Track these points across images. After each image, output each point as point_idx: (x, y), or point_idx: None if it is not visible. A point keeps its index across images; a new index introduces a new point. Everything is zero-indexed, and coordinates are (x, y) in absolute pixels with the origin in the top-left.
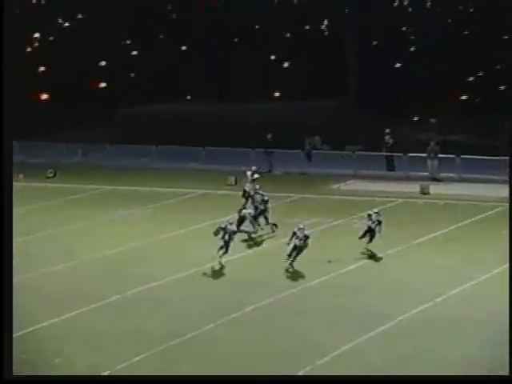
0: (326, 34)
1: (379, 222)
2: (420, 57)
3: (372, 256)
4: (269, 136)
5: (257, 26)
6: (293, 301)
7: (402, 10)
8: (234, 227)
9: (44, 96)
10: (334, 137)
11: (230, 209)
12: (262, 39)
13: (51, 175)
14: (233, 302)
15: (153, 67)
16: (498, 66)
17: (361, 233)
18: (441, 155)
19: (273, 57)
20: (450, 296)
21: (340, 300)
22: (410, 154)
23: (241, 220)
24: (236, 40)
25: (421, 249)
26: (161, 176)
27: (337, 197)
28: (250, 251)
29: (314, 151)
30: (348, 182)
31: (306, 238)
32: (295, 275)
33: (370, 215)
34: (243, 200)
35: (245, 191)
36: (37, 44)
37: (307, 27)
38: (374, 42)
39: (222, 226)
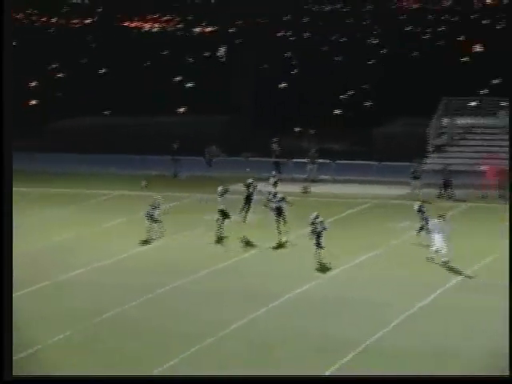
0: (222, 60)
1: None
2: (301, 78)
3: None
4: (175, 145)
5: (164, 52)
6: (196, 284)
7: (285, 39)
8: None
9: None
10: (230, 146)
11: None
12: (169, 63)
13: None
14: (146, 285)
15: (76, 87)
16: (365, 86)
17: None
18: (319, 160)
19: (178, 78)
20: (329, 277)
21: (233, 283)
22: (294, 160)
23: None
24: (147, 64)
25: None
26: (83, 179)
27: (233, 196)
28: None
29: (213, 158)
30: (241, 184)
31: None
32: (200, 261)
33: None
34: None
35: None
36: None
37: (207, 53)
38: (265, 65)
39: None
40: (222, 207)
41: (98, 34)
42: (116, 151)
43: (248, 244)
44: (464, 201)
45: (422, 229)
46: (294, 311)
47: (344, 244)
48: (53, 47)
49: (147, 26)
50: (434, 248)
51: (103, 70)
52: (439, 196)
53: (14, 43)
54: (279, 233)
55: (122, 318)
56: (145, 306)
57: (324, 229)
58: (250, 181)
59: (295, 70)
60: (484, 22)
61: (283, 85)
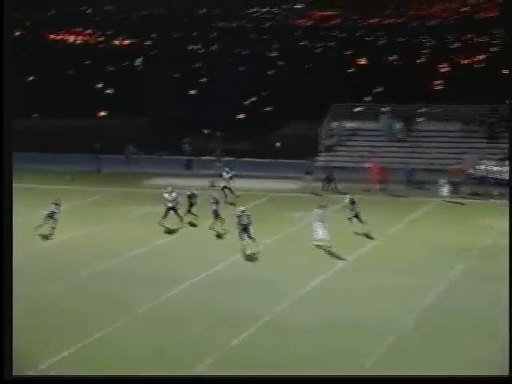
0: (139, 69)
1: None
2: (209, 86)
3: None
4: (97, 144)
5: (87, 62)
6: (117, 268)
7: (195, 51)
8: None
9: None
10: (146, 145)
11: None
12: (91, 72)
13: None
14: (72, 269)
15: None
16: (265, 93)
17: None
18: (224, 158)
19: (99, 85)
20: (231, 261)
21: (149, 267)
22: (203, 158)
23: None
24: (71, 72)
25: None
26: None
27: (147, 190)
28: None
29: (131, 156)
30: (156, 179)
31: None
32: (122, 247)
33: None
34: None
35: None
36: None
37: (125, 63)
38: (177, 74)
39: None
40: (170, 205)
41: (27, 44)
42: (42, 150)
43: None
44: (346, 193)
45: (355, 217)
46: (205, 290)
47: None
48: None
49: (71, 39)
50: (316, 235)
51: (31, 78)
52: (323, 189)
53: None
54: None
55: (44, 299)
56: (67, 287)
57: (250, 222)
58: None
59: (204, 79)
60: (367, 38)
61: (193, 91)
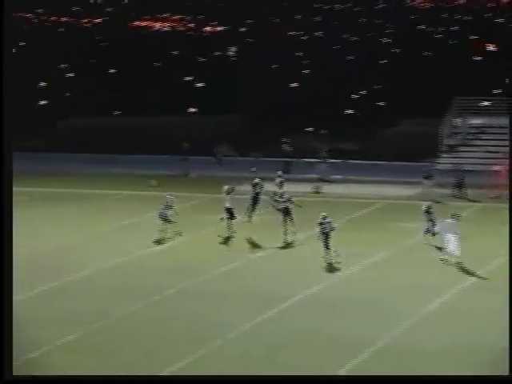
0: (233, 59)
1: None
2: (312, 78)
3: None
4: (185, 145)
5: (174, 52)
6: (206, 285)
7: (296, 39)
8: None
9: None
10: (240, 145)
11: (153, 208)
12: (179, 63)
13: None
14: (154, 287)
15: (85, 87)
16: (377, 86)
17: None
18: (330, 160)
19: (188, 78)
20: (338, 278)
21: (242, 284)
22: (305, 160)
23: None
24: (157, 64)
25: (313, 239)
26: (93, 179)
27: (243, 196)
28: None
29: (224, 158)
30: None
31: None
32: (209, 262)
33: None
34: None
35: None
36: None
37: (217, 53)
38: (274, 66)
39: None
40: (228, 205)
41: (108, 33)
42: (126, 151)
43: (254, 245)
44: (476, 201)
45: (428, 230)
46: (303, 313)
47: (355, 245)
48: (62, 47)
49: (157, 26)
50: (448, 249)
51: (113, 70)
52: (452, 196)
53: (23, 43)
54: (285, 233)
55: (129, 320)
56: (151, 307)
57: (332, 229)
58: (256, 180)
59: (306, 70)
60: (497, 20)
61: (294, 84)
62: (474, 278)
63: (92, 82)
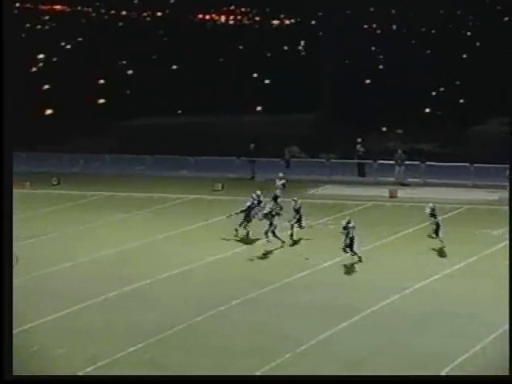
0: (303, 54)
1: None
2: (387, 74)
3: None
4: (252, 145)
5: (240, 47)
6: (273, 295)
7: (370, 32)
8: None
9: (48, 111)
10: (311, 146)
11: (219, 212)
12: (245, 59)
13: (55, 183)
14: (219, 297)
15: (146, 84)
16: (458, 82)
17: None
18: (407, 162)
19: (255, 74)
20: (415, 289)
21: (313, 295)
22: (380, 161)
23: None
24: (222, 60)
25: (388, 247)
26: (154, 183)
27: (314, 200)
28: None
29: (293, 159)
30: (324, 187)
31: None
32: (276, 272)
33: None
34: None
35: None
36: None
37: (286, 47)
38: (346, 61)
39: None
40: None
41: (171, 27)
42: (190, 153)
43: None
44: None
45: (436, 233)
46: (379, 325)
47: (434, 252)
48: (122, 42)
49: (222, 19)
50: None
51: (175, 67)
52: None
53: (80, 39)
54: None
55: (192, 331)
56: (216, 319)
57: (355, 235)
58: (295, 199)
59: (381, 65)
60: None
61: (368, 81)
62: None
63: (153, 80)
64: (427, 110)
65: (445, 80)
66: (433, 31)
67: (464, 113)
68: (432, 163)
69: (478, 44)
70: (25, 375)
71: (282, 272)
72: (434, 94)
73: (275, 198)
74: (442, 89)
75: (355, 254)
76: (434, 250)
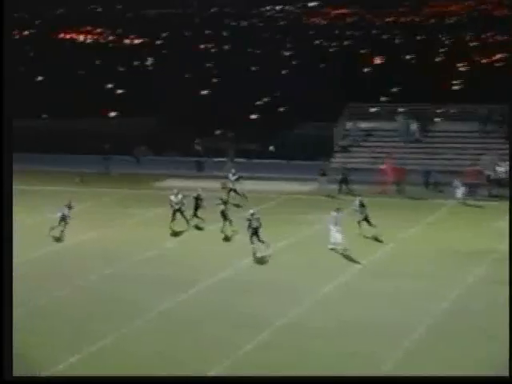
0: (150, 68)
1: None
2: (221, 86)
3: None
4: (106, 145)
5: (97, 62)
6: (127, 270)
7: (207, 51)
8: None
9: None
10: (157, 145)
11: (78, 202)
12: (101, 72)
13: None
14: (78, 272)
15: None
16: (278, 93)
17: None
18: (237, 159)
19: (110, 85)
20: (244, 264)
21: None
22: (214, 159)
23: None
24: (81, 72)
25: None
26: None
27: (158, 191)
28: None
29: (142, 157)
30: (167, 180)
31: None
32: (130, 250)
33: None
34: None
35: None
36: None
37: (136, 63)
38: (186, 75)
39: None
40: (176, 207)
41: (36, 43)
42: (53, 151)
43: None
44: (359, 195)
45: (364, 219)
46: (214, 295)
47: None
48: None
49: (81, 38)
50: (332, 239)
51: (40, 78)
52: (339, 191)
53: None
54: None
55: (55, 303)
56: (77, 291)
57: (260, 225)
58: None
59: (216, 79)
60: (384, 37)
61: (205, 91)
62: (362, 264)
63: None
64: (253, 117)
65: (268, 91)
66: (258, 51)
67: (283, 118)
68: (256, 160)
69: (294, 63)
70: (25, 375)
71: (137, 249)
72: (259, 103)
73: (229, 191)
74: (266, 99)
75: (263, 242)
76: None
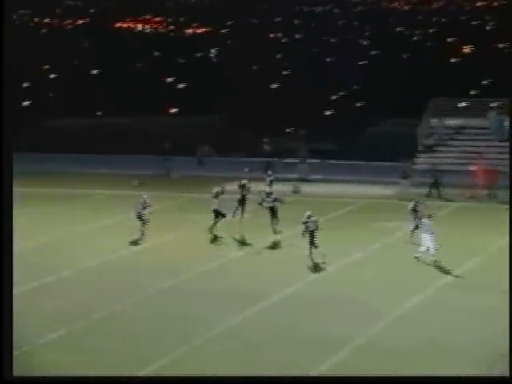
0: (214, 60)
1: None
2: (292, 79)
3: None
4: (166, 145)
5: (156, 54)
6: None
7: (276, 40)
8: None
9: None
10: (222, 145)
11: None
12: (161, 64)
13: None
14: (135, 286)
15: (69, 88)
16: (356, 87)
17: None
18: (310, 160)
19: (170, 79)
20: (316, 278)
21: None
22: (284, 160)
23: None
24: (139, 65)
25: (292, 239)
26: (76, 179)
27: (226, 195)
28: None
29: (205, 158)
30: (232, 183)
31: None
32: (190, 261)
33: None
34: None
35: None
36: None
37: (198, 54)
38: (254, 67)
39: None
40: (215, 207)
41: (91, 34)
42: (108, 151)
43: (242, 244)
44: (452, 200)
45: (416, 227)
46: (284, 311)
47: (335, 244)
48: (45, 48)
49: (139, 27)
50: (423, 248)
51: (95, 71)
52: (428, 195)
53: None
54: (274, 232)
55: (111, 319)
56: (134, 307)
57: (317, 228)
58: (243, 182)
59: (286, 71)
60: (474, 23)
61: (274, 85)
62: (448, 277)
63: (75, 83)
64: (328, 113)
65: (344, 85)
66: (333, 40)
67: (361, 115)
68: (331, 161)
69: (373, 53)
70: (25, 375)
71: (198, 261)
72: (334, 98)
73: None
74: (341, 93)
75: (317, 247)
76: (334, 240)
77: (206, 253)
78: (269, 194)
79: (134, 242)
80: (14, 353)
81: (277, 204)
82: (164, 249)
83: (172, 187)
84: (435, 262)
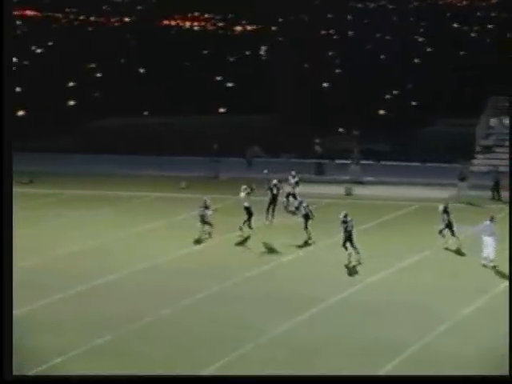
0: (264, 58)
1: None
2: (344, 78)
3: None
4: (215, 146)
5: (204, 52)
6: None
7: (328, 38)
8: None
9: (20, 112)
10: (271, 146)
11: (183, 209)
12: (209, 63)
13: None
14: (184, 290)
15: (115, 87)
16: (410, 86)
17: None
18: (362, 161)
19: (218, 78)
20: (369, 282)
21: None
22: (337, 161)
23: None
24: (187, 63)
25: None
26: (121, 181)
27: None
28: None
29: (255, 159)
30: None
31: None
32: (237, 264)
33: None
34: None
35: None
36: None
37: (248, 52)
38: (305, 65)
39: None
40: (246, 204)
41: (138, 32)
42: (154, 152)
43: (282, 248)
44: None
45: (446, 228)
46: (336, 316)
47: (389, 247)
48: (91, 46)
49: (187, 25)
50: (486, 251)
51: (142, 70)
52: (492, 198)
53: (51, 43)
54: (309, 238)
55: (160, 323)
56: (183, 310)
57: (352, 228)
58: (274, 182)
59: (338, 70)
60: None
61: (326, 84)
62: (508, 282)
63: (121, 82)
64: (382, 112)
65: (398, 83)
66: (387, 37)
67: (415, 114)
68: (385, 162)
69: (428, 50)
70: (25, 375)
71: (246, 264)
72: (388, 97)
73: (288, 196)
74: (395, 92)
75: (355, 248)
76: (389, 244)
77: (255, 256)
78: (294, 196)
79: (196, 242)
80: (60, 358)
81: (308, 210)
82: (212, 252)
83: (220, 189)
84: (495, 266)
